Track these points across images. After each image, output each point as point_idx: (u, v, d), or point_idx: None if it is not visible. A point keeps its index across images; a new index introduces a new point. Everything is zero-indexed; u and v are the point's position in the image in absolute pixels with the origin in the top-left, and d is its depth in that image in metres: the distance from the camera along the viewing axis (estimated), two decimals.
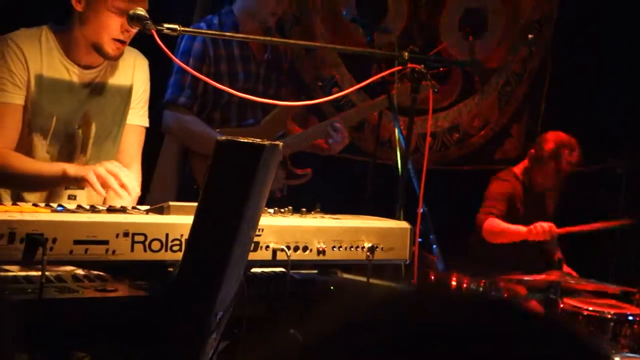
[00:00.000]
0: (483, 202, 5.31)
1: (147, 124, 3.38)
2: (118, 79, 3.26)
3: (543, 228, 5.00)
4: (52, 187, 3.11)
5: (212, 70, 4.19)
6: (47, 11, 3.25)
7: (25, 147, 3.12)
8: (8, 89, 3.05)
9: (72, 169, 2.96)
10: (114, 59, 3.16)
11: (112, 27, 3.02)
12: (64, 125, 3.16)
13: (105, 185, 2.87)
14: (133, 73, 3.30)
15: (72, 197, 3.19)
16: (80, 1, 3.04)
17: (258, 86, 4.37)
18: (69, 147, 3.20)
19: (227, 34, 4.01)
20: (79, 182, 2.95)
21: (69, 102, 3.15)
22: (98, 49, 3.10)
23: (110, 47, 3.08)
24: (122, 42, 3.08)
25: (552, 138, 5.27)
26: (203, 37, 4.19)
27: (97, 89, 3.21)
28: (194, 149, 4.25)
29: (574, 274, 5.16)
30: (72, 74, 3.14)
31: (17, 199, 3.08)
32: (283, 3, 4.38)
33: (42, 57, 3.09)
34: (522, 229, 5.07)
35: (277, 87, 4.46)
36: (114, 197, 3.22)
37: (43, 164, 3.07)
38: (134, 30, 3.00)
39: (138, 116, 3.33)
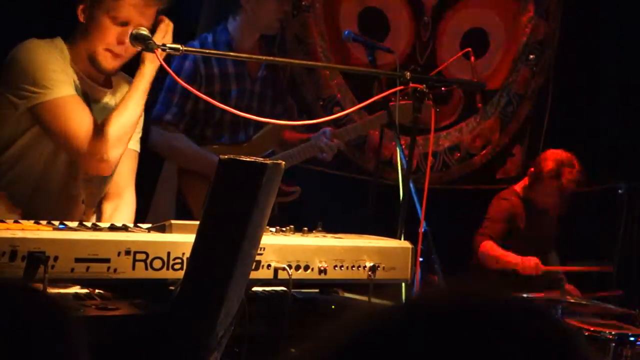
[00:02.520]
0: (482, 223, 5.30)
1: (138, 149, 3.32)
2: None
3: (531, 263, 4.99)
4: None
5: (203, 90, 4.15)
6: (56, 23, 3.19)
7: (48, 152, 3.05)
8: (66, 80, 2.95)
9: None
10: (108, 73, 3.09)
11: (107, 38, 2.97)
12: None
13: None
14: None
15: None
16: (85, 11, 2.99)
17: (252, 103, 4.39)
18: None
19: (232, 54, 4.03)
20: None
21: None
22: (92, 60, 3.03)
23: (103, 58, 3.01)
24: (117, 55, 3.02)
25: (552, 157, 5.26)
26: (194, 56, 4.21)
27: (103, 110, 3.14)
28: (180, 165, 4.29)
29: (576, 292, 5.15)
30: (87, 85, 3.08)
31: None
32: (286, 6, 4.43)
33: (66, 65, 3.03)
34: (514, 258, 5.05)
35: (272, 104, 4.48)
36: (114, 215, 3.21)
37: None
38: (132, 48, 2.96)
39: (132, 140, 3.25)
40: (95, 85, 3.11)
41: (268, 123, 4.31)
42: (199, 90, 4.10)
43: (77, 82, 3.04)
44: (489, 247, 5.14)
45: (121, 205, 3.24)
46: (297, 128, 4.64)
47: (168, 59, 4.21)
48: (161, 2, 3.01)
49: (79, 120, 2.93)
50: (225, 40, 4.34)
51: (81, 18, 3.01)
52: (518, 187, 5.42)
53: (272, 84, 4.51)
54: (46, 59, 2.95)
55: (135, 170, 3.32)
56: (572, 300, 4.68)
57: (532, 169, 5.35)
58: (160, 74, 4.18)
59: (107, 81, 3.17)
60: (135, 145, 3.29)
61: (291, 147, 4.47)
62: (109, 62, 3.04)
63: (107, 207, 3.24)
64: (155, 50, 2.80)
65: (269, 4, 4.33)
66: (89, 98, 3.09)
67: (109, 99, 3.15)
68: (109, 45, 2.99)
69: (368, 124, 4.79)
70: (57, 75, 2.94)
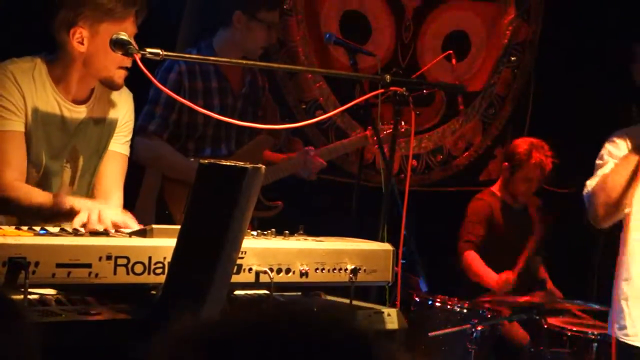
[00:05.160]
0: (462, 227, 5.31)
1: (127, 153, 3.34)
2: (105, 113, 3.22)
3: (503, 282, 5.02)
4: (55, 221, 3.05)
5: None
6: (34, 43, 3.20)
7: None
8: (8, 117, 3.00)
9: (78, 203, 2.92)
10: (120, 88, 3.16)
11: (118, 58, 2.99)
12: (52, 160, 3.12)
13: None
14: (119, 106, 3.27)
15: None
16: (83, 42, 3.00)
17: (234, 118, 4.39)
18: (58, 181, 3.16)
19: (211, 58, 4.03)
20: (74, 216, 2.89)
21: (58, 137, 3.10)
22: (109, 82, 3.10)
23: (119, 77, 3.09)
24: (127, 69, 3.08)
25: (521, 142, 5.41)
26: (179, 69, 4.21)
27: (85, 124, 3.16)
28: (164, 173, 4.31)
29: (558, 292, 5.18)
30: (64, 109, 3.10)
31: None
32: (272, 38, 4.43)
33: (36, 90, 3.05)
34: (491, 279, 5.08)
35: (253, 121, 4.48)
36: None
37: (46, 195, 3.02)
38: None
39: (119, 144, 3.28)
40: (73, 106, 3.13)
41: (251, 139, 4.41)
42: (181, 104, 4.13)
43: (56, 106, 3.08)
44: (471, 260, 5.16)
45: None
46: (278, 148, 4.69)
47: (152, 70, 4.21)
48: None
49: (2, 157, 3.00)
50: (209, 55, 4.34)
51: (81, 48, 3.02)
52: (494, 187, 5.47)
53: (254, 102, 4.53)
54: (1, 91, 3.00)
55: (123, 174, 3.33)
56: (555, 301, 4.71)
57: (506, 163, 5.42)
58: (144, 86, 4.21)
59: (88, 96, 3.18)
60: (123, 149, 3.31)
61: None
62: (122, 79, 3.11)
63: None
64: (135, 55, 2.80)
65: (259, 32, 4.33)
66: (66, 120, 3.12)
67: (89, 113, 3.18)
68: (122, 63, 3.05)
69: (349, 145, 4.83)
70: (3, 109, 3.00)
